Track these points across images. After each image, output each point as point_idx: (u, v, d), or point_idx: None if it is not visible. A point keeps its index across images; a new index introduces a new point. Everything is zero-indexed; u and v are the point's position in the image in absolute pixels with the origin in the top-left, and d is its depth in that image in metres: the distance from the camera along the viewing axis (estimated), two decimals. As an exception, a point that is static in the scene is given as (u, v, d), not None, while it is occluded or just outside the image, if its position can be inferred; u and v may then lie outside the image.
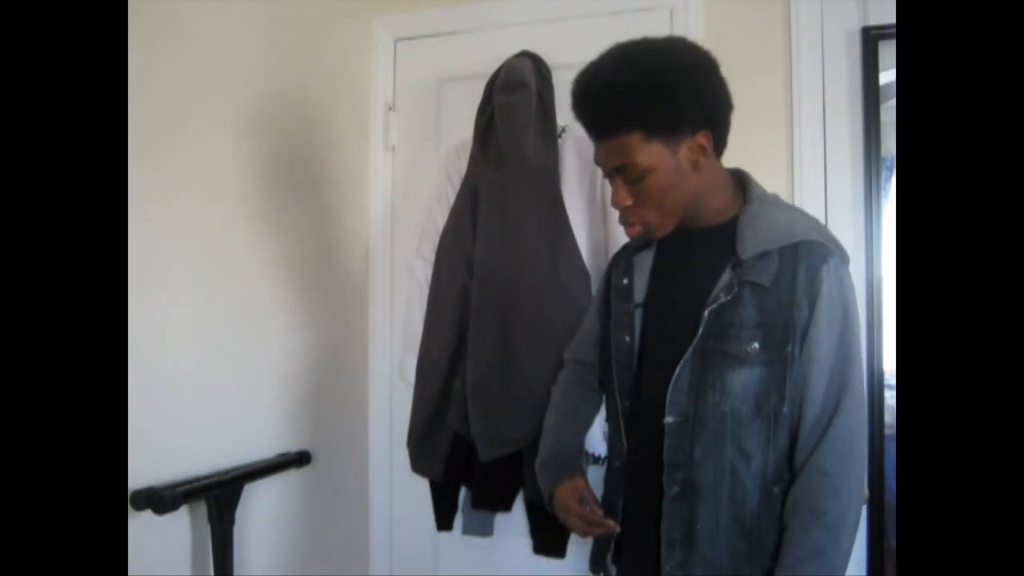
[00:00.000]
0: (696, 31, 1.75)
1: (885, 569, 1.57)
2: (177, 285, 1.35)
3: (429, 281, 1.76)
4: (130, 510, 1.23)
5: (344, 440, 1.93)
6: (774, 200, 1.14)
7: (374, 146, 2.01)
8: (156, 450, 1.29)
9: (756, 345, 1.03)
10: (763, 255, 1.05)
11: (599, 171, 1.32)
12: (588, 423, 1.36)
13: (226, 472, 1.42)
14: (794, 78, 1.68)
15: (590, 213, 1.69)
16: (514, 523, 1.76)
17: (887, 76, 1.61)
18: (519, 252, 1.61)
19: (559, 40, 1.81)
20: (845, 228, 1.61)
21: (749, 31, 1.73)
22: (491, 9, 1.92)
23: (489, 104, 1.69)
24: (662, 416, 1.08)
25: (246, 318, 1.54)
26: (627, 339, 1.17)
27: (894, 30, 1.58)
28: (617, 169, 1.08)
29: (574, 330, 1.39)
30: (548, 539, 1.68)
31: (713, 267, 1.08)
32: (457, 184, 1.77)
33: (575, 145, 1.68)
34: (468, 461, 1.68)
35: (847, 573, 1.50)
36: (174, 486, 1.27)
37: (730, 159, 1.24)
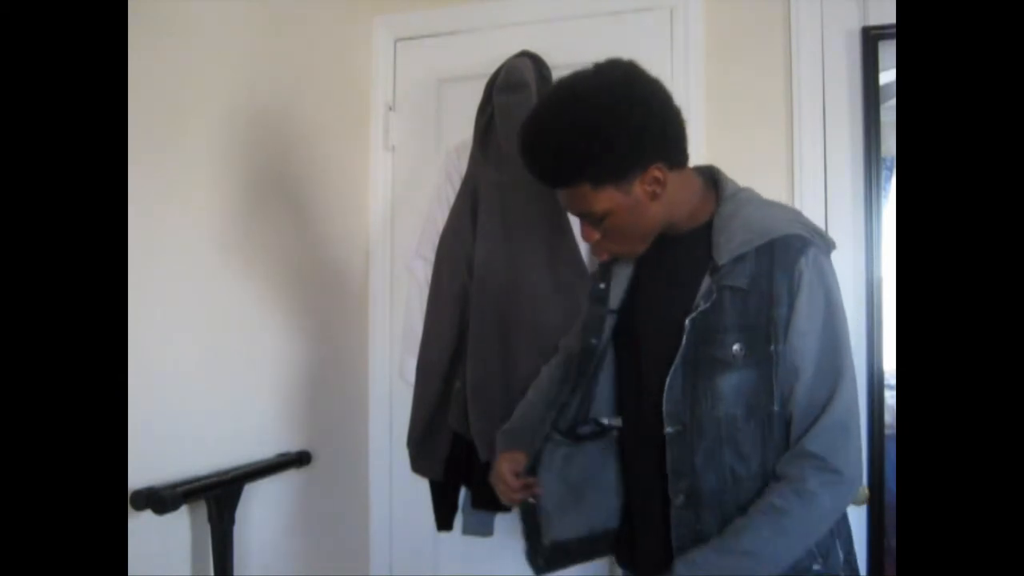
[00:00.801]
0: (696, 31, 1.75)
1: (885, 569, 1.57)
2: (177, 285, 1.35)
3: (429, 281, 1.76)
4: (130, 510, 1.23)
5: (344, 440, 1.93)
6: (747, 197, 1.12)
7: (374, 146, 2.01)
8: (156, 450, 1.29)
9: (738, 347, 1.03)
10: (739, 258, 1.05)
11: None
12: (550, 402, 1.35)
13: (226, 472, 1.42)
14: (794, 78, 1.68)
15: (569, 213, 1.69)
16: (514, 523, 1.76)
17: (887, 76, 1.61)
18: (519, 252, 1.61)
19: (559, 40, 1.81)
20: (845, 228, 1.61)
21: (749, 31, 1.73)
22: (491, 9, 1.92)
23: (489, 104, 1.69)
24: (660, 426, 1.08)
25: (246, 318, 1.54)
26: (593, 342, 1.19)
27: (894, 30, 1.58)
28: (577, 213, 1.11)
29: (573, 329, 1.40)
30: (548, 539, 1.67)
31: (692, 274, 1.09)
32: (457, 184, 1.77)
33: (575, 145, 1.68)
34: (468, 461, 1.67)
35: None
36: (174, 486, 1.27)
37: (730, 159, 1.24)
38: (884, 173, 1.62)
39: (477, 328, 1.63)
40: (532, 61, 1.70)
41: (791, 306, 1.02)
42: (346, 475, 1.94)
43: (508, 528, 1.79)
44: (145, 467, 1.25)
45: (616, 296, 1.19)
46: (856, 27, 1.64)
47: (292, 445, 1.66)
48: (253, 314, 1.57)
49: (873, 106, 1.60)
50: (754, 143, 1.70)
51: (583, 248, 1.63)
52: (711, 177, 1.17)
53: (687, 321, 1.05)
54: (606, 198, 1.05)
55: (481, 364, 1.60)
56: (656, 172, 1.05)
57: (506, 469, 1.23)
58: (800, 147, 1.67)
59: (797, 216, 1.13)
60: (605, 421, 1.25)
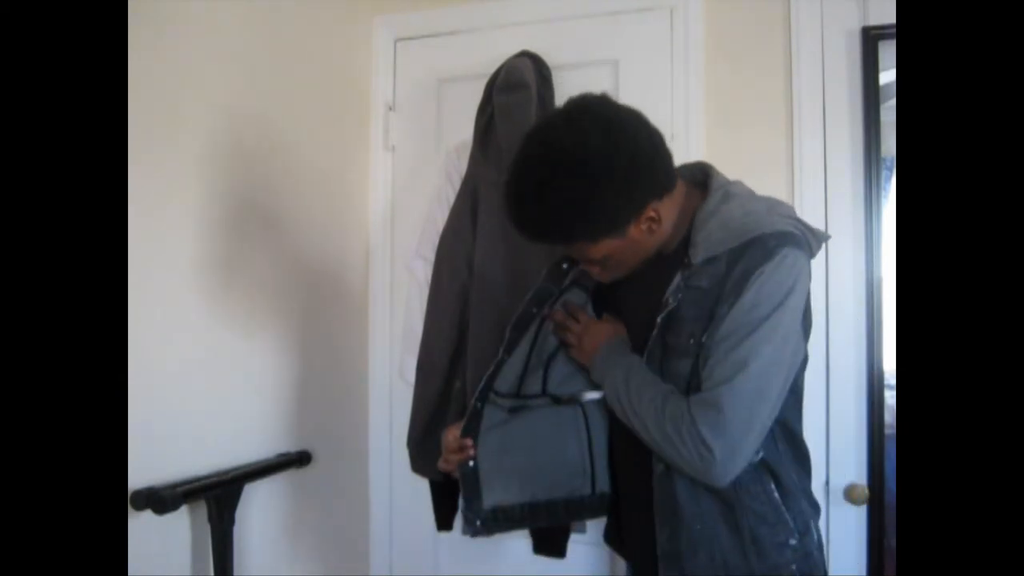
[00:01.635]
0: (696, 31, 1.75)
1: (885, 569, 1.57)
2: (177, 284, 1.35)
3: (429, 281, 1.76)
4: (130, 510, 1.23)
5: (344, 440, 1.93)
6: (731, 192, 1.11)
7: (374, 146, 2.01)
8: (156, 450, 1.29)
9: (692, 340, 1.06)
10: (711, 259, 1.06)
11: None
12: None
13: (226, 472, 1.42)
14: (794, 78, 1.68)
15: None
16: (514, 523, 1.76)
17: (887, 76, 1.61)
18: (519, 251, 1.61)
19: (559, 40, 1.81)
20: (845, 228, 1.61)
21: (749, 31, 1.73)
22: (491, 9, 1.92)
23: (489, 104, 1.69)
24: None
25: (246, 318, 1.54)
26: (533, 311, 1.26)
27: (894, 30, 1.58)
28: (576, 258, 1.16)
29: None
30: (548, 539, 1.67)
31: (668, 271, 1.10)
32: (457, 184, 1.77)
33: (575, 145, 1.68)
34: (468, 461, 1.68)
35: (848, 574, 1.51)
36: (174, 486, 1.27)
37: (730, 159, 1.24)
38: (884, 173, 1.62)
39: (477, 328, 1.63)
40: (532, 61, 1.70)
41: (733, 303, 1.02)
42: (346, 475, 1.94)
43: (508, 528, 1.80)
44: (145, 467, 1.25)
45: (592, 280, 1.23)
46: (856, 27, 1.64)
47: (292, 445, 1.66)
48: (253, 314, 1.57)
49: (873, 106, 1.60)
50: (754, 143, 1.70)
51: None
52: (702, 174, 1.17)
53: (659, 319, 1.09)
54: (604, 247, 1.08)
55: (481, 363, 1.60)
56: (651, 212, 1.06)
57: (450, 435, 1.28)
58: (800, 147, 1.67)
59: (780, 209, 1.11)
60: (558, 393, 1.29)
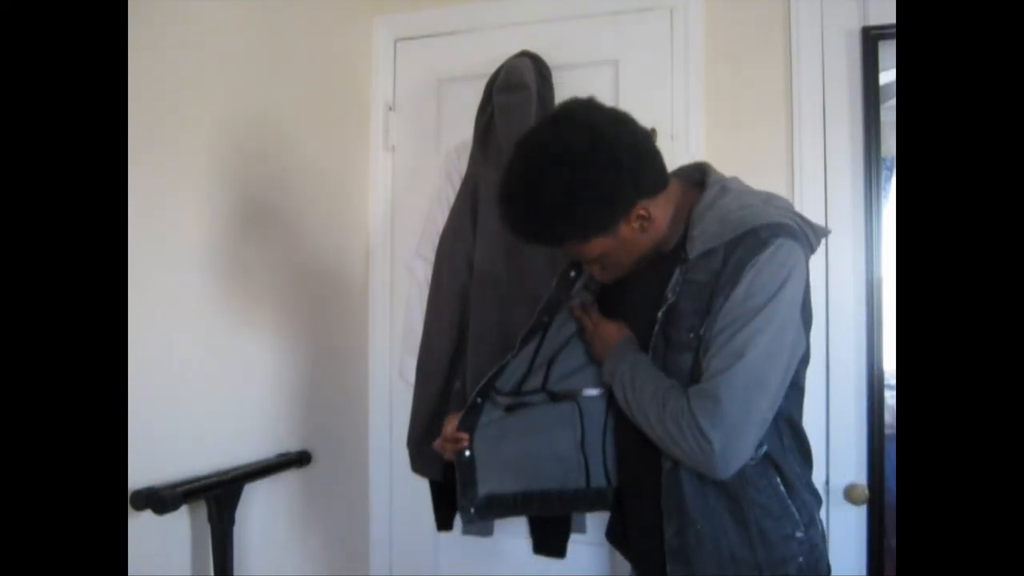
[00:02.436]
0: (696, 31, 1.75)
1: (885, 569, 1.57)
2: (177, 284, 1.35)
3: (429, 281, 1.76)
4: (130, 510, 1.23)
5: (344, 440, 1.93)
6: (728, 188, 1.12)
7: (374, 146, 2.01)
8: (156, 450, 1.29)
9: (692, 335, 1.08)
10: (708, 252, 1.07)
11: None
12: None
13: (226, 472, 1.42)
14: (794, 78, 1.68)
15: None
16: (514, 523, 1.76)
17: (887, 76, 1.61)
18: (519, 252, 1.61)
19: (559, 40, 1.81)
20: (845, 228, 1.61)
21: (749, 31, 1.73)
22: (491, 9, 1.92)
23: (489, 104, 1.69)
24: None
25: (246, 318, 1.54)
26: (544, 319, 1.28)
27: (894, 30, 1.58)
28: (572, 257, 1.19)
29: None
30: (548, 539, 1.68)
31: (669, 270, 1.12)
32: (457, 184, 1.77)
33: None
34: (468, 461, 1.68)
35: (848, 574, 1.52)
36: (174, 486, 1.27)
37: (730, 159, 1.25)
38: (884, 173, 1.62)
39: (477, 328, 1.63)
40: (532, 61, 1.70)
41: (728, 295, 1.03)
42: (346, 475, 1.94)
43: (508, 528, 1.80)
44: (145, 467, 1.25)
45: (596, 283, 1.25)
46: (856, 27, 1.64)
47: (292, 445, 1.66)
48: (253, 314, 1.57)
49: (873, 106, 1.60)
50: (754, 143, 1.70)
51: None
52: (699, 173, 1.18)
53: (659, 314, 1.11)
54: (596, 246, 1.11)
55: (481, 363, 1.60)
56: (640, 211, 1.09)
57: (449, 424, 1.33)
58: (800, 147, 1.67)
59: (776, 202, 1.12)
60: (556, 390, 1.33)
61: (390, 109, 2.01)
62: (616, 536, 1.36)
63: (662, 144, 1.31)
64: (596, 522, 1.67)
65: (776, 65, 1.70)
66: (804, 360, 1.14)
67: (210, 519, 1.37)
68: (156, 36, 1.30)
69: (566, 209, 1.05)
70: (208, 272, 1.43)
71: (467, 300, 1.66)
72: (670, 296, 1.09)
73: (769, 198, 1.12)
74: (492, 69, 1.72)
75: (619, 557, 1.51)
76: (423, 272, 1.81)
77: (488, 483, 1.31)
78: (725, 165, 1.20)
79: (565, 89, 1.68)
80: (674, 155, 1.14)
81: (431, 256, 1.76)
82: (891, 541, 1.58)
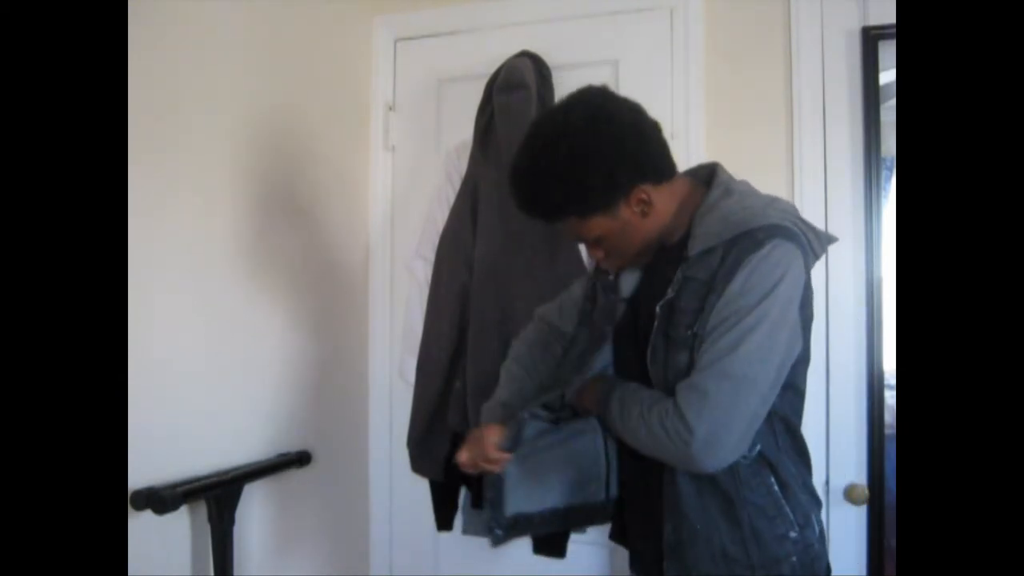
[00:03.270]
0: (696, 31, 1.75)
1: (885, 569, 1.57)
2: (177, 285, 1.35)
3: (429, 281, 1.76)
4: (130, 510, 1.23)
5: (344, 440, 1.93)
6: (733, 189, 1.14)
7: (374, 146, 2.01)
8: (156, 450, 1.29)
9: (690, 332, 1.08)
10: (708, 251, 1.08)
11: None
12: (541, 384, 1.38)
13: (226, 472, 1.42)
14: (794, 78, 1.68)
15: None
16: (514, 523, 1.76)
17: (887, 76, 1.61)
18: (519, 252, 1.61)
19: (559, 40, 1.81)
20: (845, 228, 1.61)
21: (749, 31, 1.73)
22: (491, 9, 1.92)
23: (489, 104, 1.69)
24: None
25: (246, 318, 1.54)
26: (607, 329, 1.25)
27: (894, 30, 1.58)
28: (573, 239, 1.19)
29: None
30: (548, 539, 1.68)
31: (673, 267, 1.13)
32: (457, 184, 1.77)
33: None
34: (468, 461, 1.67)
35: (848, 574, 1.51)
36: (174, 486, 1.27)
37: (730, 159, 1.24)
38: (884, 173, 1.62)
39: (477, 327, 1.63)
40: (532, 61, 1.70)
41: (721, 292, 1.04)
42: (346, 475, 1.94)
43: (508, 528, 1.80)
44: (145, 467, 1.25)
45: (628, 286, 1.24)
46: (856, 27, 1.64)
47: (292, 445, 1.66)
48: (253, 314, 1.57)
49: (873, 106, 1.60)
50: (754, 143, 1.70)
51: (582, 247, 1.63)
52: (708, 174, 1.19)
53: (657, 308, 1.12)
54: (595, 225, 1.12)
55: (481, 363, 1.60)
56: (641, 194, 1.10)
57: (494, 442, 1.24)
58: (800, 147, 1.67)
59: (779, 204, 1.13)
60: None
61: (390, 109, 2.01)
62: (618, 534, 1.36)
63: (662, 144, 1.31)
64: (596, 522, 1.67)
65: (776, 65, 1.70)
66: (804, 361, 1.14)
67: (210, 519, 1.37)
68: (156, 36, 1.30)
69: (565, 179, 1.07)
70: (207, 272, 1.43)
71: (467, 300, 1.66)
72: (670, 292, 1.10)
73: (772, 201, 1.13)
74: (492, 69, 1.72)
75: (619, 557, 1.51)
76: (423, 272, 1.81)
77: (516, 502, 1.28)
78: (725, 165, 1.20)
79: (565, 89, 1.66)
80: (674, 155, 1.14)
81: (431, 256, 1.76)
82: (891, 541, 1.58)
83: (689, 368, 1.08)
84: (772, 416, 1.09)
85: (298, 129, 1.72)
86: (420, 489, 1.79)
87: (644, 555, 1.25)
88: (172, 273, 1.34)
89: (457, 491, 1.78)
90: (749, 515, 1.10)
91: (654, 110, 1.14)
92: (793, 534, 1.11)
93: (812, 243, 1.11)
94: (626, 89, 1.77)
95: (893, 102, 1.61)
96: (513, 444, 1.24)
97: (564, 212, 1.12)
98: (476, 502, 1.73)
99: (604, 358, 1.28)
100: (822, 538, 1.17)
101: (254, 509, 1.54)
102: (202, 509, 1.37)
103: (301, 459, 1.65)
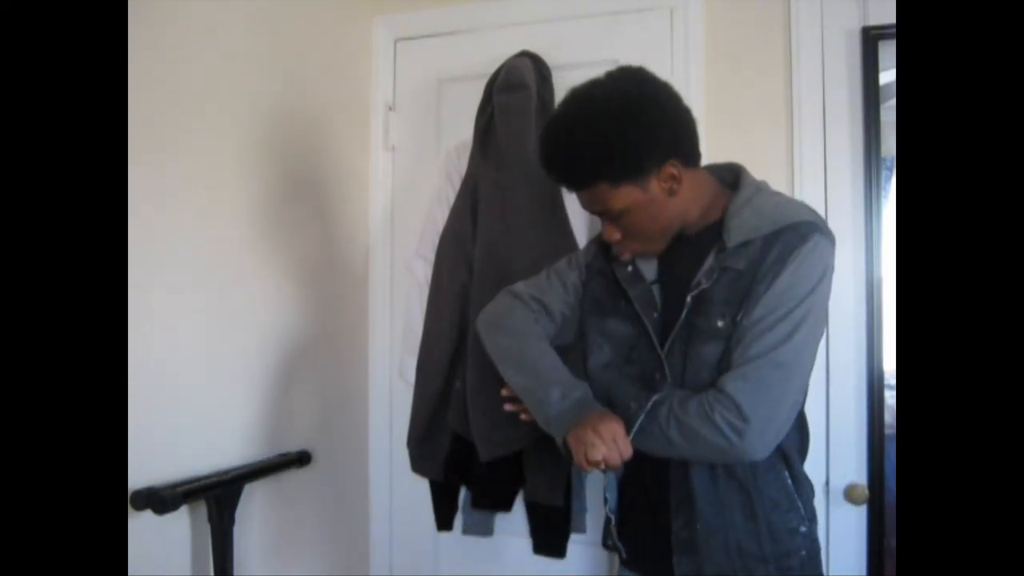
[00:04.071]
0: (696, 31, 1.75)
1: (885, 569, 1.57)
2: (177, 285, 1.35)
3: (429, 281, 1.76)
4: (130, 510, 1.23)
5: (344, 440, 1.93)
6: (763, 188, 1.17)
7: (374, 146, 2.01)
8: (156, 450, 1.29)
9: (722, 322, 1.08)
10: (746, 243, 1.09)
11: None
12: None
13: (226, 472, 1.42)
14: (794, 78, 1.68)
15: (589, 213, 1.69)
16: (514, 523, 1.76)
17: (887, 76, 1.61)
18: (519, 252, 1.61)
19: (559, 40, 1.81)
20: (845, 228, 1.61)
21: (749, 31, 1.73)
22: (491, 9, 1.92)
23: (489, 104, 1.69)
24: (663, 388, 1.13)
25: (246, 318, 1.54)
26: (655, 315, 1.18)
27: (894, 30, 1.58)
28: (597, 212, 1.15)
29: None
30: (548, 539, 1.68)
31: (701, 257, 1.12)
32: (457, 184, 1.77)
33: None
34: (468, 461, 1.67)
35: (848, 574, 1.51)
36: (174, 486, 1.27)
37: (730, 159, 1.24)
38: (884, 173, 1.62)
39: (477, 328, 1.63)
40: (532, 61, 1.70)
41: (771, 284, 1.05)
42: (346, 475, 1.94)
43: (508, 528, 1.80)
44: (145, 467, 1.25)
45: (649, 272, 1.21)
46: (856, 27, 1.64)
47: (292, 445, 1.66)
48: (253, 314, 1.57)
49: (873, 106, 1.60)
50: (754, 143, 1.70)
51: (581, 247, 1.63)
52: (732, 175, 1.20)
53: (688, 297, 1.11)
54: (624, 195, 1.09)
55: (481, 363, 1.60)
56: (671, 169, 1.09)
57: (620, 438, 1.11)
58: (800, 147, 1.67)
59: (806, 206, 1.17)
60: None
61: (390, 109, 2.01)
62: (613, 538, 1.33)
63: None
64: (596, 522, 1.67)
65: (776, 65, 1.70)
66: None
67: (210, 519, 1.37)
68: (156, 36, 1.30)
69: (603, 147, 1.07)
70: (207, 272, 1.43)
71: (467, 300, 1.66)
72: (703, 281, 1.10)
73: (803, 204, 1.16)
74: (492, 69, 1.72)
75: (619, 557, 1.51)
76: (423, 272, 1.81)
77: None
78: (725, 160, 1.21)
79: (565, 89, 1.68)
80: (674, 155, 1.15)
81: (431, 256, 1.76)
82: (891, 541, 1.58)
83: (717, 359, 1.08)
84: None
85: (298, 129, 1.72)
86: (420, 489, 1.79)
87: (647, 552, 1.24)
88: (172, 273, 1.34)
89: (457, 491, 1.78)
90: (766, 509, 1.11)
91: (654, 110, 1.15)
92: (803, 528, 1.13)
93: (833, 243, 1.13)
94: (626, 89, 1.80)
95: (893, 102, 1.61)
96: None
97: (597, 176, 1.09)
98: (476, 502, 1.73)
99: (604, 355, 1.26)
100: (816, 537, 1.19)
101: (254, 509, 1.54)
102: (202, 509, 1.37)
103: (301, 459, 1.65)
